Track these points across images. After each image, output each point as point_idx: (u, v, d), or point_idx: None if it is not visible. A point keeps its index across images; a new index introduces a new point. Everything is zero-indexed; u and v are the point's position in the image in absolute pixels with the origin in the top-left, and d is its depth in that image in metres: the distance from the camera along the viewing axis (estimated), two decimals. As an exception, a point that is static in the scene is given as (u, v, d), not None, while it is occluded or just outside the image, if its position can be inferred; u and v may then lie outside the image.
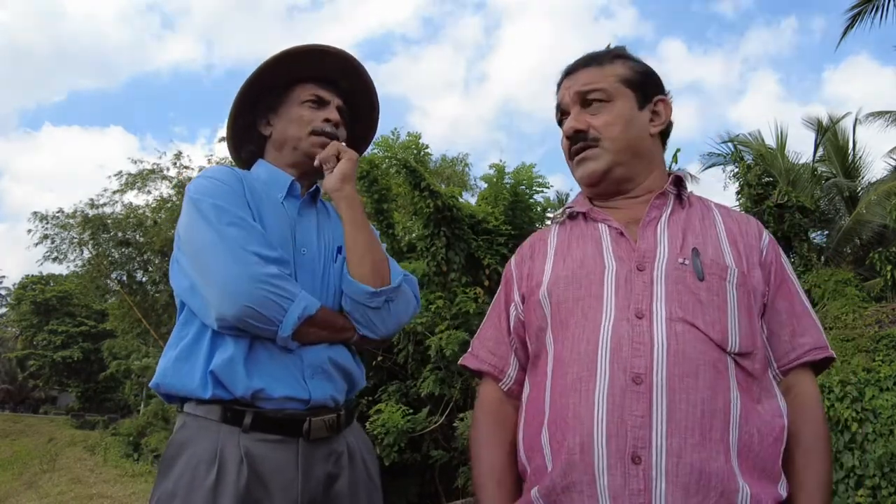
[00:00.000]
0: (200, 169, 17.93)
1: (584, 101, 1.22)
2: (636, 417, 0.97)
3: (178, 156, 19.07)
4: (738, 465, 0.97)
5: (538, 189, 7.00)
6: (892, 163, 12.43)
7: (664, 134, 1.28)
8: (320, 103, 1.48)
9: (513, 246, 6.47)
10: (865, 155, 12.66)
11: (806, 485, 1.02)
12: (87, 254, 19.97)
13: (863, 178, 12.59)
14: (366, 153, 8.10)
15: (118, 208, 19.54)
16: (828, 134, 12.72)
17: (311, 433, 1.28)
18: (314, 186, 1.52)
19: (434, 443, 5.98)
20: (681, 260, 1.09)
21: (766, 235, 1.20)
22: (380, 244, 1.43)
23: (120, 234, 19.54)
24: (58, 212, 19.90)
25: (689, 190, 1.24)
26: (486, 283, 6.25)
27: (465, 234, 6.39)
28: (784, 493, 1.01)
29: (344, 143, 1.51)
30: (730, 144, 12.35)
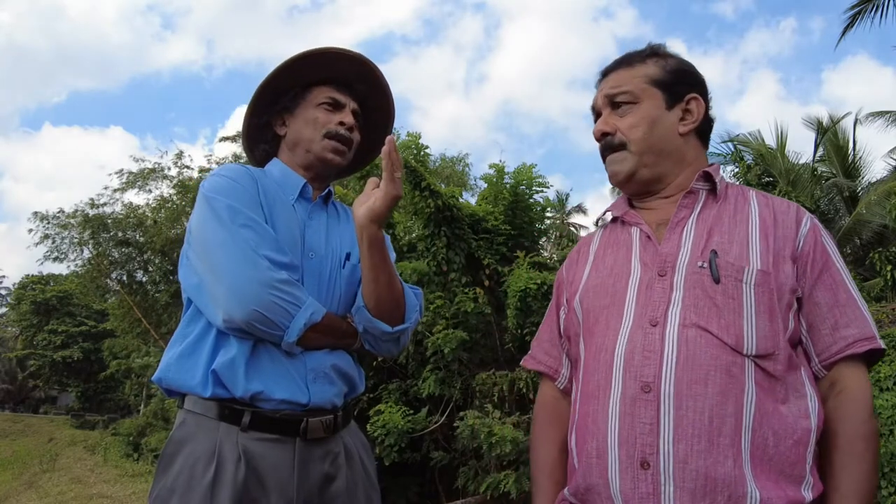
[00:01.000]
0: (201, 169, 17.95)
1: (613, 103, 1.24)
2: (644, 425, 1.00)
3: (180, 155, 19.07)
4: (750, 468, 0.97)
5: (538, 189, 7.00)
6: (892, 163, 12.44)
7: (701, 131, 1.25)
8: (336, 106, 1.48)
9: (513, 246, 6.47)
10: (865, 155, 12.67)
11: (841, 487, 0.99)
12: (87, 253, 19.97)
13: (863, 178, 12.59)
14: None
15: (118, 208, 19.55)
16: (828, 134, 12.72)
17: (309, 433, 1.29)
18: (326, 189, 1.52)
19: (434, 443, 5.98)
20: (699, 263, 1.10)
21: (808, 223, 1.14)
22: (398, 279, 1.41)
23: (120, 233, 19.53)
24: (58, 212, 19.91)
25: (722, 182, 1.21)
26: (486, 282, 6.25)
27: (465, 233, 6.39)
28: (810, 495, 0.99)
29: (357, 141, 1.51)
30: (730, 144, 12.35)
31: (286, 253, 1.31)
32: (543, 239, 7.96)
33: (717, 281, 1.07)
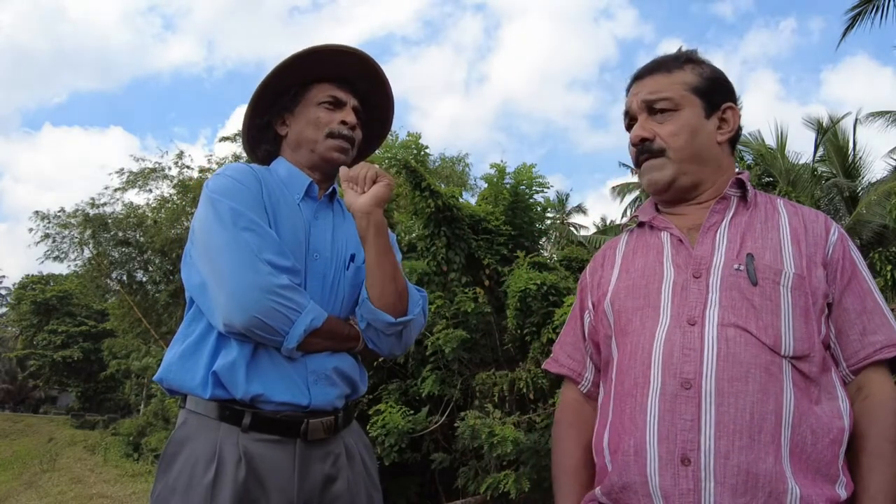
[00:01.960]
0: (201, 169, 17.95)
1: (651, 109, 1.23)
2: (685, 421, 1.01)
3: (180, 156, 19.07)
4: (789, 465, 0.99)
5: (538, 189, 7.00)
6: (893, 163, 12.44)
7: (732, 140, 1.27)
8: (337, 104, 1.47)
9: (513, 246, 6.48)
10: (865, 155, 12.67)
11: (870, 489, 1.01)
12: (87, 253, 19.98)
13: (863, 178, 12.59)
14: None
15: (119, 207, 19.56)
16: (828, 134, 12.72)
17: (309, 434, 1.29)
18: (331, 188, 1.52)
19: (434, 443, 5.98)
20: (736, 266, 1.11)
21: (836, 232, 1.18)
22: (401, 271, 1.43)
23: (120, 233, 19.54)
24: (59, 211, 19.93)
25: (752, 189, 1.23)
26: (486, 282, 6.25)
27: (466, 233, 6.39)
28: (844, 494, 1.02)
29: (359, 139, 1.50)
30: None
31: (288, 256, 1.30)
32: (543, 239, 7.96)
33: (754, 283, 1.09)
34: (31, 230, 19.90)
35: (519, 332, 5.54)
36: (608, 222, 24.06)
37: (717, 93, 1.24)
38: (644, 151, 1.23)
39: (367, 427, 5.62)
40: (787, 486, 0.97)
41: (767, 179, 10.33)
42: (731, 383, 1.01)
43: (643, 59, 1.31)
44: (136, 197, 21.20)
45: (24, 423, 29.69)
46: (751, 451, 0.98)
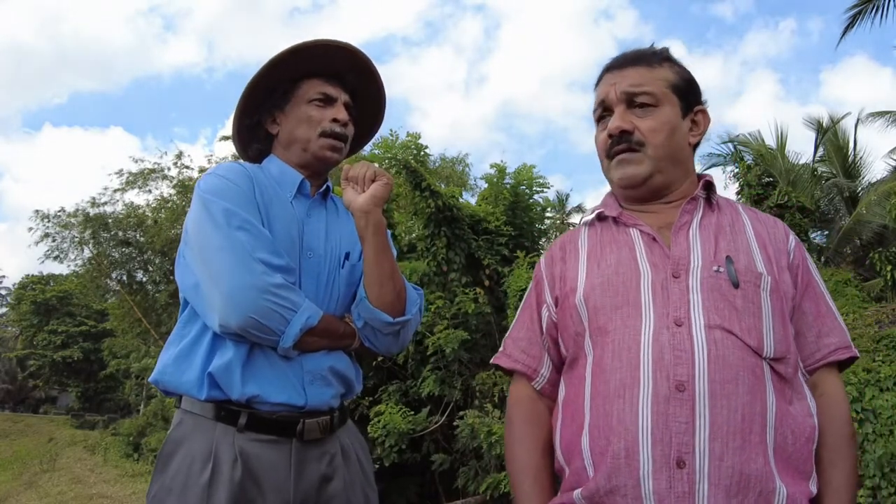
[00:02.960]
0: (201, 169, 17.94)
1: (631, 101, 1.20)
2: (680, 423, 1.00)
3: (180, 156, 19.08)
4: (775, 465, 1.00)
5: (538, 189, 7.00)
6: (893, 163, 12.43)
7: (697, 144, 1.27)
8: (327, 101, 1.45)
9: (513, 246, 6.48)
10: (866, 155, 12.66)
11: (833, 482, 1.06)
12: (87, 253, 19.99)
13: (863, 178, 12.58)
14: (364, 153, 8.09)
15: (119, 207, 19.57)
16: (828, 134, 12.72)
17: (305, 434, 1.28)
18: (325, 185, 1.50)
19: (434, 443, 5.98)
20: (715, 267, 1.11)
21: (793, 238, 1.21)
22: (399, 271, 1.42)
23: (120, 233, 19.55)
24: (59, 211, 19.93)
25: (717, 193, 1.24)
26: (486, 282, 6.25)
27: (466, 234, 6.39)
28: (815, 490, 1.05)
29: (351, 135, 1.49)
30: (730, 145, 12.35)
31: (282, 255, 1.29)
32: (543, 239, 7.95)
33: (735, 285, 1.09)
34: (30, 230, 19.93)
35: (519, 332, 5.53)
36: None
37: (691, 94, 1.24)
38: (622, 142, 1.19)
39: (368, 428, 5.62)
40: (776, 486, 0.98)
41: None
42: (722, 385, 1.01)
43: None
44: (137, 197, 21.24)
45: (24, 423, 29.69)
46: (743, 452, 0.98)
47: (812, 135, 13.18)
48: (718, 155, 12.73)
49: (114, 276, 20.36)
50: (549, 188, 7.28)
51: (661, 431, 1.00)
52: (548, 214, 7.84)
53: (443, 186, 7.46)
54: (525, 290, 5.17)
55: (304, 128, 1.43)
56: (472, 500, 5.48)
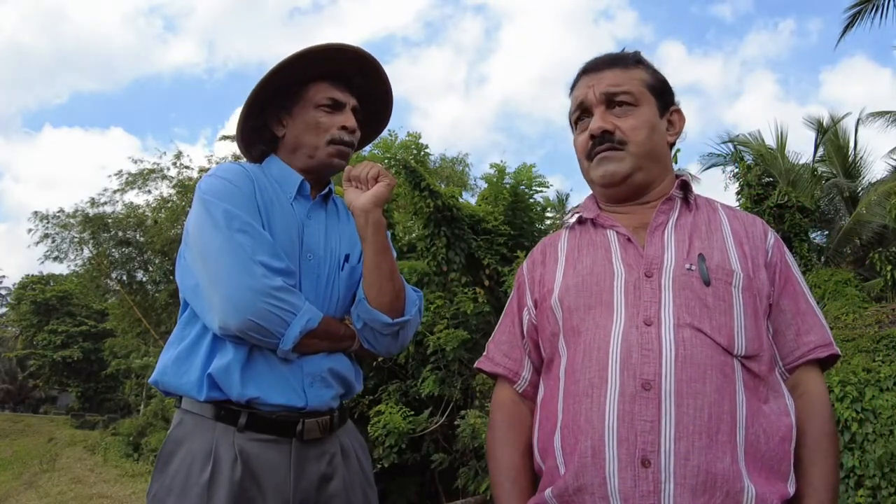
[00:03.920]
0: (201, 169, 17.95)
1: (610, 102, 1.21)
2: (645, 422, 1.00)
3: (179, 156, 19.09)
4: (745, 465, 0.99)
5: (538, 189, 7.00)
6: (893, 163, 12.43)
7: (672, 143, 1.29)
8: (336, 107, 1.43)
9: (513, 246, 6.48)
10: (866, 155, 12.66)
11: (813, 481, 1.05)
12: (87, 253, 20.00)
13: (863, 178, 12.58)
14: (364, 153, 8.08)
15: (119, 208, 19.58)
16: (828, 134, 12.71)
17: (305, 434, 1.28)
18: (326, 188, 1.50)
19: (434, 443, 5.98)
20: (688, 266, 1.11)
21: (772, 236, 1.22)
22: (398, 272, 1.42)
23: (120, 233, 19.56)
24: (58, 211, 19.95)
25: (695, 193, 1.25)
26: (486, 282, 6.25)
27: (465, 233, 6.40)
28: (792, 490, 1.04)
29: (357, 140, 1.48)
30: (730, 145, 12.34)
31: (282, 258, 1.29)
32: (544, 239, 7.94)
33: (707, 283, 1.09)
34: (30, 231, 19.93)
35: (519, 332, 5.53)
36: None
37: (666, 94, 1.26)
38: (604, 142, 1.20)
39: (368, 428, 5.62)
40: (744, 486, 0.98)
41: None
42: (689, 384, 1.00)
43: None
44: (136, 197, 21.26)
45: (24, 423, 29.69)
46: (709, 451, 0.98)
47: (812, 135, 13.18)
48: (718, 155, 12.73)
49: (114, 276, 20.37)
50: (549, 188, 7.31)
51: (626, 430, 1.00)
52: (548, 214, 7.84)
53: (442, 186, 7.46)
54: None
55: (312, 134, 1.42)
56: (472, 500, 5.48)
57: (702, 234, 1.17)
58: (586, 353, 1.09)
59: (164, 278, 19.30)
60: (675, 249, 1.14)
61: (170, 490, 1.20)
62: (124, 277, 20.25)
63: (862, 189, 12.22)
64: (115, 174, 19.22)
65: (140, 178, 18.98)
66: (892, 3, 10.51)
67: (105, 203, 19.41)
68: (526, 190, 6.95)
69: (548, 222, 7.69)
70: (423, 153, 7.67)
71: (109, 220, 19.38)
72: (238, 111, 1.49)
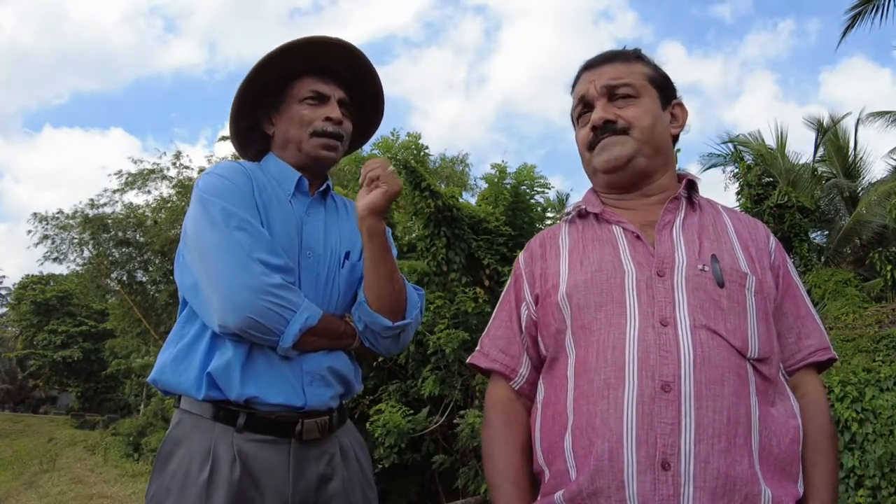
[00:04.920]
0: (201, 169, 17.93)
1: (612, 94, 1.21)
2: (665, 425, 0.98)
3: (178, 156, 19.08)
4: (760, 468, 0.99)
5: (539, 189, 7.00)
6: (893, 163, 12.43)
7: (675, 137, 1.29)
8: (320, 99, 1.43)
9: (513, 246, 6.47)
10: (866, 155, 12.66)
11: (815, 482, 1.05)
12: (87, 253, 20.00)
13: (863, 178, 12.58)
14: (364, 153, 8.08)
15: (118, 208, 19.57)
16: (828, 134, 12.71)
17: (304, 434, 1.28)
18: (325, 184, 1.49)
19: (434, 443, 5.98)
20: (700, 266, 1.10)
21: (773, 239, 1.22)
22: (400, 274, 1.40)
23: (120, 233, 19.54)
24: (58, 212, 19.94)
25: (699, 193, 1.25)
26: (487, 282, 6.25)
27: (466, 234, 6.40)
28: (801, 491, 1.04)
29: (348, 132, 1.47)
30: (730, 145, 12.34)
31: (281, 255, 1.29)
32: (543, 239, 7.93)
33: (721, 285, 1.08)
34: (29, 232, 19.93)
35: (519, 332, 5.53)
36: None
37: (668, 87, 1.27)
38: (606, 132, 1.20)
39: (368, 427, 5.61)
40: (761, 489, 0.97)
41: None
42: (708, 387, 0.99)
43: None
44: (136, 198, 21.25)
45: (24, 423, 29.68)
46: (728, 454, 0.97)
47: (812, 135, 13.18)
48: (718, 155, 12.72)
49: (114, 276, 20.35)
50: (549, 188, 7.29)
51: (645, 432, 0.98)
52: (548, 214, 7.83)
53: (443, 186, 7.46)
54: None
55: (297, 128, 1.41)
56: (472, 500, 5.47)
57: (710, 235, 1.16)
58: (600, 352, 1.06)
59: (163, 278, 19.28)
60: (685, 249, 1.12)
61: (168, 490, 1.20)
62: (124, 277, 20.24)
63: (862, 189, 12.21)
64: (115, 174, 19.21)
65: (140, 179, 18.97)
66: (892, 3, 10.51)
67: (105, 204, 19.41)
68: (527, 190, 6.94)
69: (548, 222, 7.69)
70: (423, 153, 7.67)
71: (109, 221, 19.37)
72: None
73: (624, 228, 1.18)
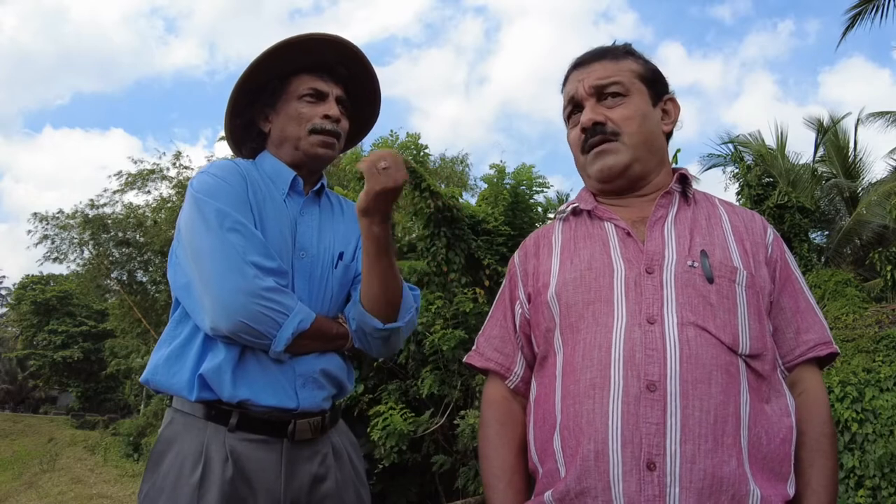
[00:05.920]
0: (200, 169, 17.90)
1: (601, 94, 1.20)
2: (651, 425, 0.97)
3: (178, 156, 19.08)
4: (749, 467, 0.97)
5: (539, 189, 7.00)
6: (893, 163, 12.43)
7: (668, 133, 1.27)
8: (318, 97, 1.42)
9: (513, 246, 6.47)
10: (866, 156, 12.66)
11: (812, 483, 1.03)
12: (87, 254, 20.00)
13: (863, 178, 12.58)
14: (364, 152, 8.06)
15: (118, 208, 19.58)
16: (828, 134, 12.72)
17: (296, 434, 1.27)
18: (319, 182, 1.48)
19: (434, 444, 5.97)
20: (689, 262, 1.09)
21: (771, 232, 1.20)
22: (398, 277, 1.36)
23: (120, 233, 19.55)
24: (58, 212, 19.94)
25: (693, 187, 1.24)
26: (486, 283, 6.25)
27: (465, 234, 6.39)
28: (792, 492, 1.02)
29: (345, 129, 1.46)
30: (730, 145, 12.34)
31: (274, 257, 1.28)
32: (543, 239, 7.93)
33: (710, 281, 1.07)
34: (29, 232, 19.93)
35: (519, 332, 5.53)
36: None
37: (659, 83, 1.25)
38: (597, 134, 1.18)
39: (368, 429, 5.61)
40: (749, 489, 0.96)
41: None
42: (694, 386, 0.98)
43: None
44: (136, 198, 21.25)
45: (24, 423, 29.67)
46: (715, 454, 0.96)
47: (812, 135, 13.18)
48: (718, 155, 12.73)
49: (114, 276, 20.35)
50: (549, 188, 7.29)
51: (630, 432, 0.97)
52: (549, 215, 7.83)
53: (443, 187, 7.47)
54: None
55: (294, 125, 1.40)
56: (472, 501, 5.47)
57: (702, 230, 1.15)
58: (586, 351, 1.05)
59: (163, 278, 19.25)
60: (675, 245, 1.11)
61: (161, 490, 1.19)
62: (124, 277, 20.24)
63: (862, 189, 12.21)
64: (115, 175, 19.22)
65: (140, 179, 18.97)
66: (892, 3, 10.51)
67: (105, 204, 19.41)
68: (526, 190, 6.95)
69: (548, 223, 7.70)
70: (422, 153, 7.67)
71: (109, 221, 19.38)
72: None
73: (615, 225, 1.17)
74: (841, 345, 6.02)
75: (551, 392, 1.10)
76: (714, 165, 13.04)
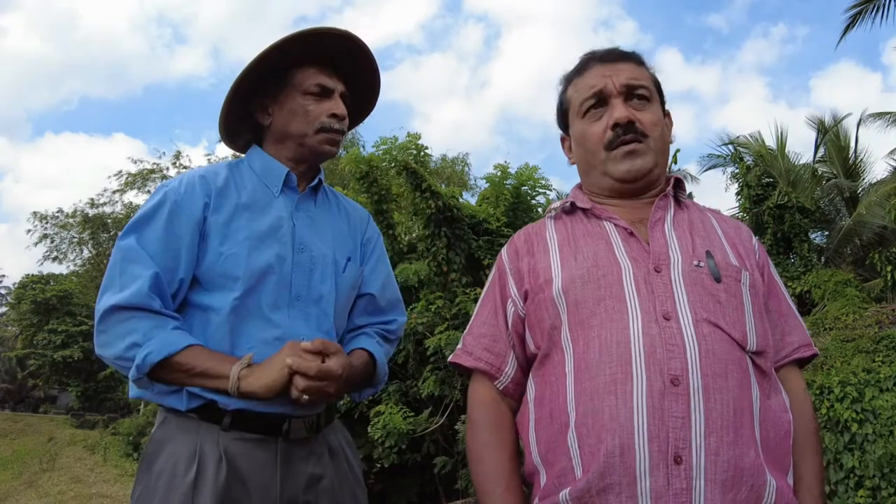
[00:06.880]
0: (201, 169, 17.92)
1: (629, 94, 1.20)
2: (676, 419, 0.98)
3: (178, 156, 19.12)
4: (763, 458, 1.00)
5: (540, 190, 7.01)
6: (893, 164, 12.44)
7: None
8: (324, 93, 1.39)
9: (513, 246, 6.47)
10: (866, 156, 12.67)
11: (804, 476, 1.08)
12: (87, 253, 20.03)
13: (863, 178, 12.59)
14: (364, 153, 8.03)
15: (118, 208, 19.61)
16: (829, 134, 12.72)
17: (291, 433, 1.26)
18: (316, 179, 1.46)
19: (434, 444, 5.98)
20: (695, 262, 1.11)
21: (755, 239, 1.25)
22: (361, 374, 1.42)
23: (119, 233, 19.59)
24: (57, 211, 19.98)
25: (686, 192, 1.27)
26: (486, 283, 6.25)
27: (466, 234, 6.40)
28: (791, 484, 1.05)
29: (347, 125, 1.45)
30: (730, 146, 12.34)
31: (155, 295, 1.25)
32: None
33: (718, 280, 1.09)
34: (28, 231, 19.95)
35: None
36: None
37: (663, 96, 1.29)
38: (629, 132, 1.17)
39: (368, 428, 5.62)
40: (766, 479, 0.98)
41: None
42: (714, 379, 1.00)
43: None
44: (136, 198, 21.23)
45: (24, 423, 29.67)
46: (737, 445, 0.98)
47: (812, 136, 13.18)
48: (718, 156, 12.73)
49: (114, 275, 20.35)
50: (551, 190, 7.29)
51: (657, 427, 0.97)
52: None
53: (443, 187, 7.46)
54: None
55: (301, 122, 1.38)
56: (472, 501, 5.47)
57: (700, 232, 1.18)
58: (603, 347, 1.05)
59: (164, 278, 19.30)
60: (678, 245, 1.13)
61: (154, 492, 1.18)
62: (124, 277, 20.24)
63: (862, 189, 12.22)
64: (115, 175, 19.24)
65: (139, 179, 19.01)
66: (893, 4, 10.51)
67: (104, 203, 19.45)
68: (528, 191, 6.95)
69: (537, 221, 7.70)
70: (423, 154, 7.67)
71: (109, 220, 19.41)
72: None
73: (616, 224, 1.18)
74: (841, 345, 6.02)
75: (559, 390, 1.09)
76: (714, 166, 13.05)
